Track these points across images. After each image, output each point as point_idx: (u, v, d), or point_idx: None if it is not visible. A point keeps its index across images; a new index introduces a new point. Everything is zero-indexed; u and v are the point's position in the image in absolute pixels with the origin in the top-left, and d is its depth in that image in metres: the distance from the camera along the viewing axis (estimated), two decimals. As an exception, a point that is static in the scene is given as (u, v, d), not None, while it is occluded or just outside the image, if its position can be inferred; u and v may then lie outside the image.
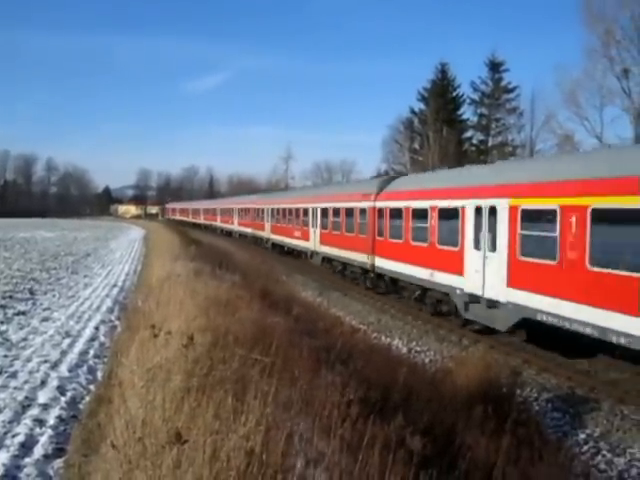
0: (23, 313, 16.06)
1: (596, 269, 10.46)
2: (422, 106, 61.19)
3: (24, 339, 12.82)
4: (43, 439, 7.23)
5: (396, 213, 19.51)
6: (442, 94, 60.20)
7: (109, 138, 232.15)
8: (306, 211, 31.05)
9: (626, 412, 10.22)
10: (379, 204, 21.08)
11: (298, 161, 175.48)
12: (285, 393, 5.33)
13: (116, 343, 11.71)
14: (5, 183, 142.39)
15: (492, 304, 13.71)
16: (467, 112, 61.41)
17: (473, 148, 60.49)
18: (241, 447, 3.84)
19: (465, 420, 7.44)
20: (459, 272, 15.13)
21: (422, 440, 4.06)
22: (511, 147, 55.63)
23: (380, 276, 21.39)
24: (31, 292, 20.05)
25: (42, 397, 8.85)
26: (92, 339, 12.94)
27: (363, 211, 22.40)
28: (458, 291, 15.19)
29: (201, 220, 76.79)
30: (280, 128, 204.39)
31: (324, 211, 27.79)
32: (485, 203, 14.05)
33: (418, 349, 14.59)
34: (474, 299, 14.53)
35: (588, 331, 10.71)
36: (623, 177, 10.10)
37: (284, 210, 36.19)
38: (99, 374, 10.21)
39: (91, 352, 11.80)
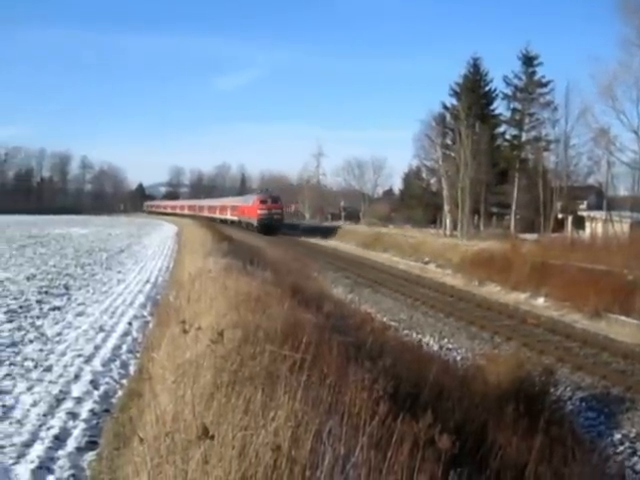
0: (58, 308, 16.31)
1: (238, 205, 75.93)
2: (454, 101, 60.57)
3: (59, 334, 13.03)
4: (76, 432, 7.34)
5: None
6: (474, 89, 59.56)
7: (142, 136, 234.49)
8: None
9: (663, 412, 10.01)
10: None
11: (329, 157, 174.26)
12: (314, 389, 5.32)
13: (148, 338, 11.85)
14: (41, 181, 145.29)
15: (226, 220, 77.95)
16: (500, 107, 60.57)
17: (506, 143, 59.72)
18: (270, 443, 3.83)
19: (497, 419, 7.35)
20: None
21: (452, 438, 3.99)
22: (545, 142, 54.60)
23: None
24: (66, 287, 20.40)
25: (76, 391, 8.99)
26: (125, 334, 13.12)
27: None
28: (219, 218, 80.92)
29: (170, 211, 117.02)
30: (312, 125, 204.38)
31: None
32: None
33: (450, 346, 14.50)
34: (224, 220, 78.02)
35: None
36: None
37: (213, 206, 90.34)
38: (131, 369, 10.33)
39: (124, 347, 11.95)
